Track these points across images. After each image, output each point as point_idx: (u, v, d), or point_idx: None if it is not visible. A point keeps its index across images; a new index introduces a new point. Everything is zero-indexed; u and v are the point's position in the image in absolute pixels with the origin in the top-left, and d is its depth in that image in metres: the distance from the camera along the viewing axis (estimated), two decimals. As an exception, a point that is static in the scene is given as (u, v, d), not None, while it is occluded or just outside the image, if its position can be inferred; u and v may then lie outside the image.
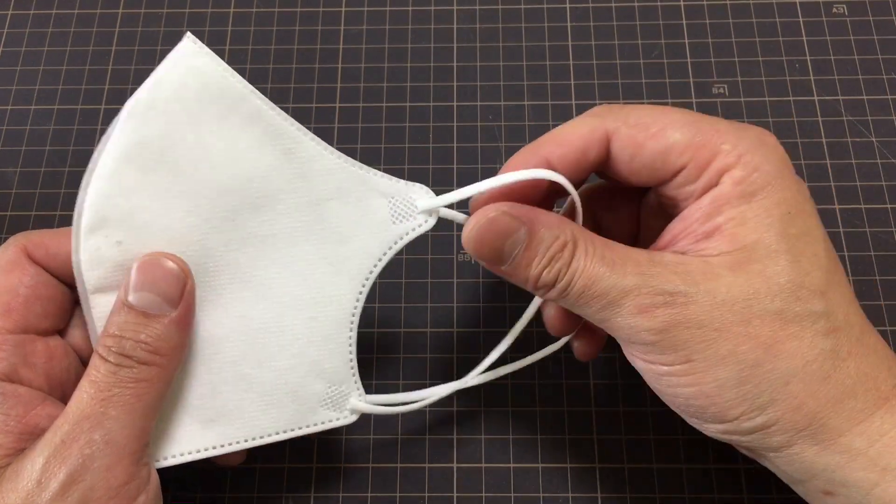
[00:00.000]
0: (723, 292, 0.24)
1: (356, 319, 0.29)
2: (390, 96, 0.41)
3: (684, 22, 0.42)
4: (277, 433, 0.29)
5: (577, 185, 0.28)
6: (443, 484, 0.33)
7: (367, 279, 0.29)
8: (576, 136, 0.27)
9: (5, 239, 0.38)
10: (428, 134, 0.40)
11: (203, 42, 0.27)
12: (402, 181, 0.29)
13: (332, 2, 0.43)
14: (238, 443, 0.28)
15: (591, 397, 0.34)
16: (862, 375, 0.24)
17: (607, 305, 0.25)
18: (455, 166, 0.39)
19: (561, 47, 0.42)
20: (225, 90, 0.27)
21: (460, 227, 0.26)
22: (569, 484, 0.33)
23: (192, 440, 0.28)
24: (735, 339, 0.24)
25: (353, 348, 0.29)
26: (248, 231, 0.28)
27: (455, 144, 0.40)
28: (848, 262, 0.36)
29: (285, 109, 0.38)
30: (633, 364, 0.27)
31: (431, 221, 0.29)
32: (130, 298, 0.25)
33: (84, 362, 0.28)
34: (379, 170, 0.28)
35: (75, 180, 0.39)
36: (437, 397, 0.30)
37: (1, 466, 0.24)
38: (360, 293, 0.29)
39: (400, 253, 0.37)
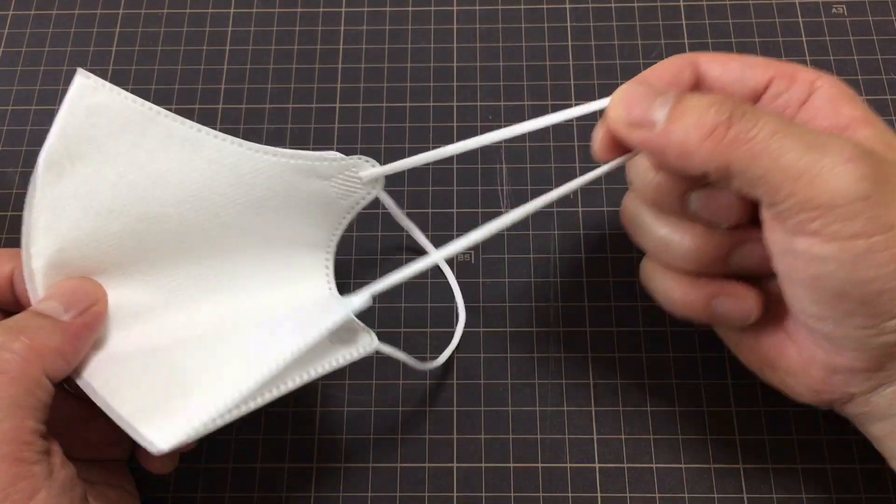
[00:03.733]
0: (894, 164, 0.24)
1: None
2: (390, 96, 0.41)
3: (684, 22, 0.42)
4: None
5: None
6: (443, 484, 0.33)
7: (327, 267, 0.29)
8: (666, 65, 0.28)
9: (4, 239, 0.38)
10: (428, 134, 0.40)
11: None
12: (341, 157, 0.29)
13: (332, 2, 0.43)
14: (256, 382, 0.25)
15: (592, 397, 0.34)
16: None
17: (810, 149, 0.23)
18: (455, 166, 0.39)
19: (561, 47, 0.42)
20: (131, 117, 0.27)
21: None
22: (568, 483, 0.33)
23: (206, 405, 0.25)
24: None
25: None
26: (202, 250, 0.28)
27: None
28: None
29: (285, 109, 0.39)
30: (807, 264, 0.24)
31: (376, 191, 0.29)
32: (37, 305, 0.26)
33: None
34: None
35: (75, 180, 0.39)
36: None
37: None
38: (328, 284, 0.29)
39: (400, 253, 0.37)
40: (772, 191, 0.23)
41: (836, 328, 0.25)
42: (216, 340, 0.28)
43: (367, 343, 0.29)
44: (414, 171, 0.39)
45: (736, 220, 0.27)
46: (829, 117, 0.26)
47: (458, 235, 0.37)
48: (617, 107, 0.26)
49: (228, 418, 0.25)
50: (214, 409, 0.25)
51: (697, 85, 0.28)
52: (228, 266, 0.29)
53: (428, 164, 0.29)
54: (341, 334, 0.29)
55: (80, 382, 0.26)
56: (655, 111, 0.25)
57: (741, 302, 0.28)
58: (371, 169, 0.29)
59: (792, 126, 0.24)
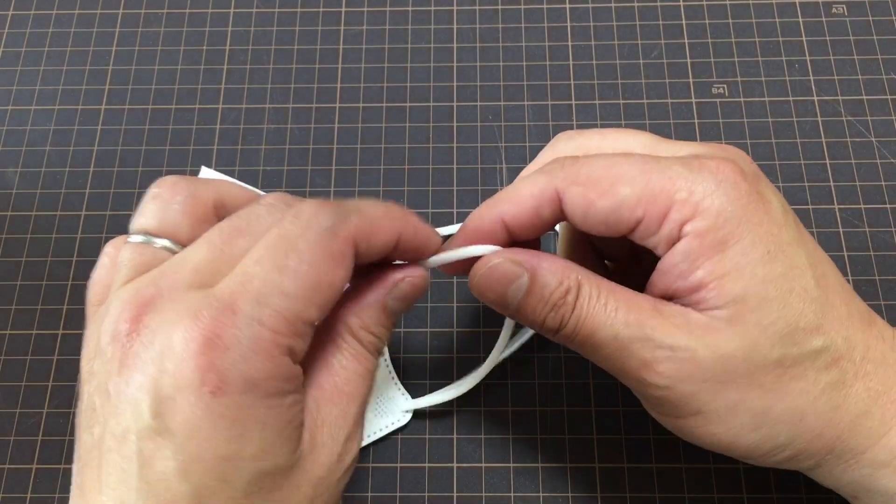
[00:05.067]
0: (723, 346, 0.24)
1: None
2: (390, 96, 0.41)
3: (684, 22, 0.42)
4: None
5: (538, 238, 0.28)
6: (443, 484, 0.33)
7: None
8: (527, 195, 0.26)
9: (4, 239, 0.38)
10: (428, 134, 0.40)
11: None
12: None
13: (332, 2, 0.43)
14: None
15: (591, 397, 0.34)
16: (874, 394, 0.24)
17: (614, 356, 0.25)
18: (455, 166, 0.39)
19: (561, 47, 0.42)
20: None
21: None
22: (568, 483, 0.33)
23: None
24: (741, 389, 0.24)
25: (393, 373, 0.34)
26: None
27: (455, 144, 0.40)
28: (848, 262, 0.36)
29: (285, 110, 0.39)
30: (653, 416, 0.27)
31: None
32: (391, 303, 0.26)
33: None
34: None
35: (75, 180, 0.39)
36: (467, 388, 0.33)
37: (301, 444, 0.23)
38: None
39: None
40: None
41: None
42: None
43: (400, 420, 0.34)
44: (414, 171, 0.39)
45: None
46: (682, 276, 0.24)
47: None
48: (480, 289, 0.26)
49: None
50: None
51: (563, 217, 0.27)
52: None
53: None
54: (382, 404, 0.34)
55: None
56: (509, 298, 0.26)
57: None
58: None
59: (603, 329, 0.25)
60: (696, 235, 0.24)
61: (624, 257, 0.31)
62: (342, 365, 0.25)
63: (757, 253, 0.24)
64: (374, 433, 0.34)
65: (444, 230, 0.34)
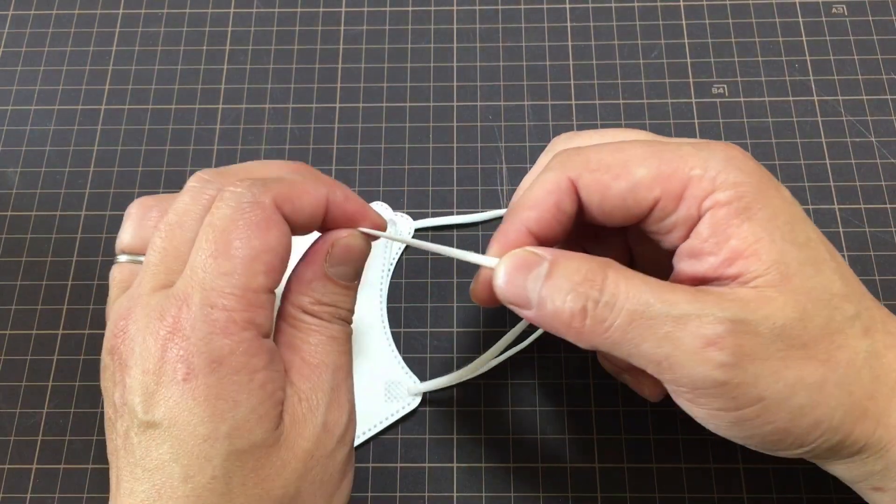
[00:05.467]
0: (779, 316, 0.23)
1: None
2: (390, 96, 0.41)
3: (684, 22, 0.42)
4: (364, 433, 0.34)
5: (569, 236, 0.27)
6: (443, 484, 0.33)
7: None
8: (543, 193, 0.26)
9: (4, 239, 0.38)
10: (428, 134, 0.40)
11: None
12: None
13: (332, 2, 0.43)
14: None
15: (591, 397, 0.34)
16: None
17: (666, 339, 0.23)
18: (455, 166, 0.39)
19: (561, 47, 0.42)
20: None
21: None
22: (568, 483, 0.33)
23: None
24: (798, 364, 0.23)
25: (398, 357, 0.35)
26: None
27: (455, 144, 0.40)
28: (848, 262, 0.36)
29: (285, 110, 0.39)
30: (690, 414, 0.25)
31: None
32: (331, 271, 0.26)
33: None
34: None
35: (75, 180, 0.39)
36: (479, 372, 0.33)
37: (282, 421, 0.24)
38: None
39: (400, 252, 0.37)
40: (641, 366, 0.24)
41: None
42: None
43: (410, 403, 0.34)
44: (414, 171, 0.39)
45: None
46: (714, 251, 0.24)
47: (458, 235, 0.37)
48: (501, 284, 0.25)
49: None
50: None
51: (581, 211, 0.26)
52: None
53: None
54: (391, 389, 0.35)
55: None
56: (528, 290, 0.25)
57: (637, 386, 0.31)
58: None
59: (650, 308, 0.23)
60: (721, 206, 0.23)
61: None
62: (303, 340, 0.25)
63: (781, 222, 0.24)
64: (385, 419, 0.34)
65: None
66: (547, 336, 0.35)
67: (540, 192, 0.26)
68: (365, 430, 0.34)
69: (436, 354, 0.35)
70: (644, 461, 0.33)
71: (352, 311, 0.27)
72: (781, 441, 0.24)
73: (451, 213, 0.38)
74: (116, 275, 0.27)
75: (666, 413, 0.34)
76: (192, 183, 0.26)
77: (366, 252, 0.27)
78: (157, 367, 0.23)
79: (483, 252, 0.27)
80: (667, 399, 0.34)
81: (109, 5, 0.44)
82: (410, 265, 0.37)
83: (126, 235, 0.27)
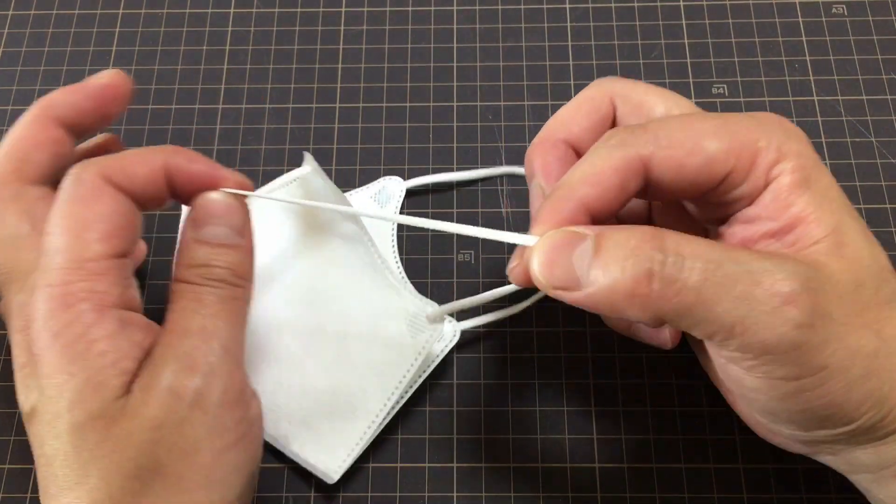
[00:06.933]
0: (841, 281, 0.23)
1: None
2: (390, 96, 0.41)
3: (684, 22, 0.42)
4: (399, 384, 0.32)
5: (614, 214, 0.26)
6: (443, 484, 0.33)
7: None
8: (610, 171, 0.24)
9: (5, 239, 0.38)
10: (428, 134, 0.40)
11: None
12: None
13: (332, 2, 0.43)
14: (377, 416, 0.32)
15: (591, 397, 0.34)
16: None
17: (741, 299, 0.21)
18: (455, 166, 0.39)
19: (561, 47, 0.42)
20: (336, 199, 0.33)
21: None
22: (568, 483, 0.33)
23: (346, 439, 0.32)
24: (857, 332, 0.23)
25: (411, 291, 0.34)
26: (318, 305, 0.34)
27: (455, 144, 0.40)
28: (848, 262, 0.36)
29: (285, 110, 0.39)
30: (737, 386, 0.25)
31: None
32: (198, 233, 0.26)
33: None
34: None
35: (75, 180, 0.39)
36: (497, 296, 0.32)
37: (130, 392, 0.24)
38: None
39: (400, 253, 0.37)
40: (707, 333, 0.23)
41: (769, 424, 0.27)
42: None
43: (435, 330, 0.33)
44: (414, 171, 0.39)
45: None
46: (773, 217, 0.24)
47: (457, 236, 0.37)
48: (540, 268, 0.24)
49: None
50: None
51: (647, 177, 0.25)
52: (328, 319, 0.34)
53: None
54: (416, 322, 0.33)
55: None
56: (576, 268, 0.23)
57: (653, 333, 0.31)
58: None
59: (721, 266, 0.22)
60: (787, 174, 0.24)
61: None
62: (170, 309, 0.26)
63: (836, 192, 0.25)
64: (416, 357, 0.32)
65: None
66: (547, 336, 0.35)
67: (607, 168, 0.25)
68: (400, 376, 0.32)
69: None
70: (644, 461, 0.33)
71: (237, 268, 0.26)
72: (831, 417, 0.23)
73: (451, 211, 0.38)
74: None
75: (666, 413, 0.34)
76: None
77: (234, 209, 0.27)
78: (26, 360, 0.25)
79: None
80: (667, 399, 0.34)
81: (109, 5, 0.44)
82: (410, 265, 0.37)
83: None
